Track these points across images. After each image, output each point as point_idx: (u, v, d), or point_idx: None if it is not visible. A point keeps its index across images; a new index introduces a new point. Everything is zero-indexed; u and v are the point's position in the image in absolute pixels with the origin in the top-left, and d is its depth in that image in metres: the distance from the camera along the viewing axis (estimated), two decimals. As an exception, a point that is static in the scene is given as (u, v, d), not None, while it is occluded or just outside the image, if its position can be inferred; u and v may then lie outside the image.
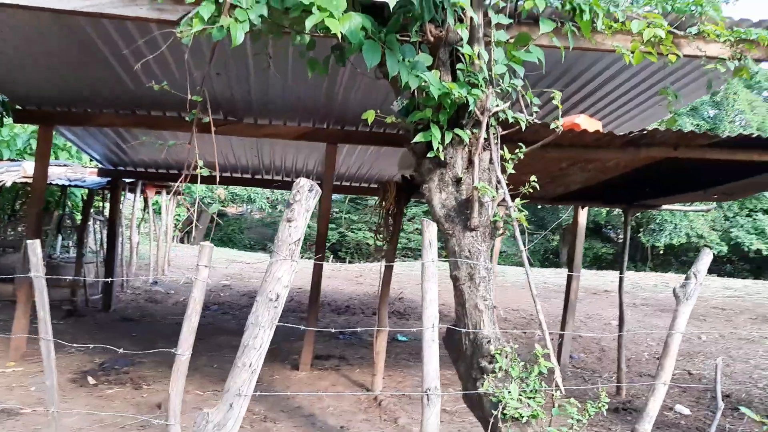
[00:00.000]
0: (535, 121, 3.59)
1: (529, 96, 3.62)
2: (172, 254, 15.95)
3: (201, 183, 4.87)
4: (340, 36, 2.87)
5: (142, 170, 10.13)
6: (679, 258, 26.80)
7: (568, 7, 3.59)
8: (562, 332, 6.83)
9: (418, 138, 3.24)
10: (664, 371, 2.97)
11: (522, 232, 3.19)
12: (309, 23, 2.82)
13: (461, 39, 3.42)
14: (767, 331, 9.07)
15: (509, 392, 2.74)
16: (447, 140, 3.27)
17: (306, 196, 2.73)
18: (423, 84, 3.17)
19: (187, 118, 3.81)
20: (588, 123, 4.10)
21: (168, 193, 13.48)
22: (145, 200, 12.80)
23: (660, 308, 12.13)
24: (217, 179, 3.99)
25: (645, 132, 3.94)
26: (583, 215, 7.29)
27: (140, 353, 5.94)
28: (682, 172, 5.08)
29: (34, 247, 2.72)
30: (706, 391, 5.83)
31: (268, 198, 31.55)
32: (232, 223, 34.08)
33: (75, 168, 10.64)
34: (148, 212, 13.33)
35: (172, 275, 13.49)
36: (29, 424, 4.44)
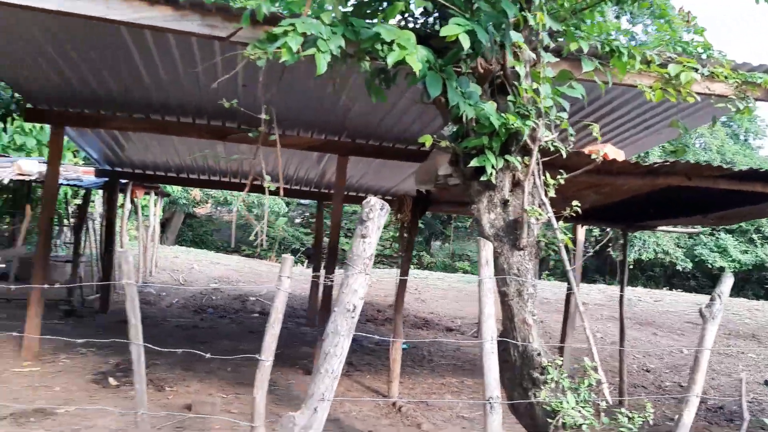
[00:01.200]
0: (571, 149, 3.91)
1: (564, 125, 3.94)
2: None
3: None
4: (417, 72, 3.13)
5: (140, 171, 10.14)
6: (645, 273, 27.74)
7: (607, 49, 3.92)
8: (562, 344, 7.20)
9: (474, 163, 3.51)
10: (695, 384, 3.31)
11: (567, 252, 3.49)
12: (391, 59, 3.07)
13: (501, 71, 3.73)
14: (743, 347, 9.64)
15: (567, 402, 3.01)
16: (499, 165, 3.55)
17: (378, 214, 2.98)
18: (480, 113, 3.45)
19: (250, 135, 4.00)
20: (614, 152, 4.45)
21: (156, 194, 13.44)
22: (132, 201, 12.75)
23: (637, 321, 12.66)
24: (281, 191, 4.15)
25: (666, 162, 4.30)
26: (581, 233, 7.69)
27: (169, 352, 6.06)
28: (687, 197, 5.48)
29: (126, 256, 2.88)
30: (702, 402, 6.24)
31: (243, 200, 31.41)
32: (204, 224, 33.79)
33: (67, 167, 10.57)
34: (135, 213, 13.27)
35: (160, 276, 13.44)
36: (66, 423, 4.52)
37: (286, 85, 5.68)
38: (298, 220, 34.26)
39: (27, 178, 9.27)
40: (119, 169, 9.94)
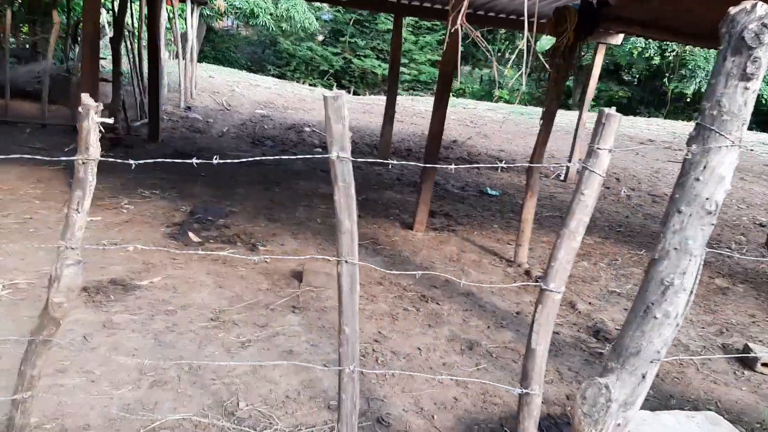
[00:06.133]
0: None
1: None
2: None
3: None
4: None
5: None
6: (694, 107, 25.44)
7: None
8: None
9: None
10: None
11: None
12: None
13: None
14: None
15: None
16: None
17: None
18: None
19: None
20: None
21: (192, 3, 11.46)
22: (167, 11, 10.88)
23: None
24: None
25: None
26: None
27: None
28: None
29: (338, 106, 1.55)
30: None
31: (271, 14, 28.61)
32: (226, 39, 31.24)
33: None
34: (173, 26, 11.45)
35: (201, 99, 12.01)
36: (154, 300, 3.53)
37: None
38: (320, 38, 31.48)
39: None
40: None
